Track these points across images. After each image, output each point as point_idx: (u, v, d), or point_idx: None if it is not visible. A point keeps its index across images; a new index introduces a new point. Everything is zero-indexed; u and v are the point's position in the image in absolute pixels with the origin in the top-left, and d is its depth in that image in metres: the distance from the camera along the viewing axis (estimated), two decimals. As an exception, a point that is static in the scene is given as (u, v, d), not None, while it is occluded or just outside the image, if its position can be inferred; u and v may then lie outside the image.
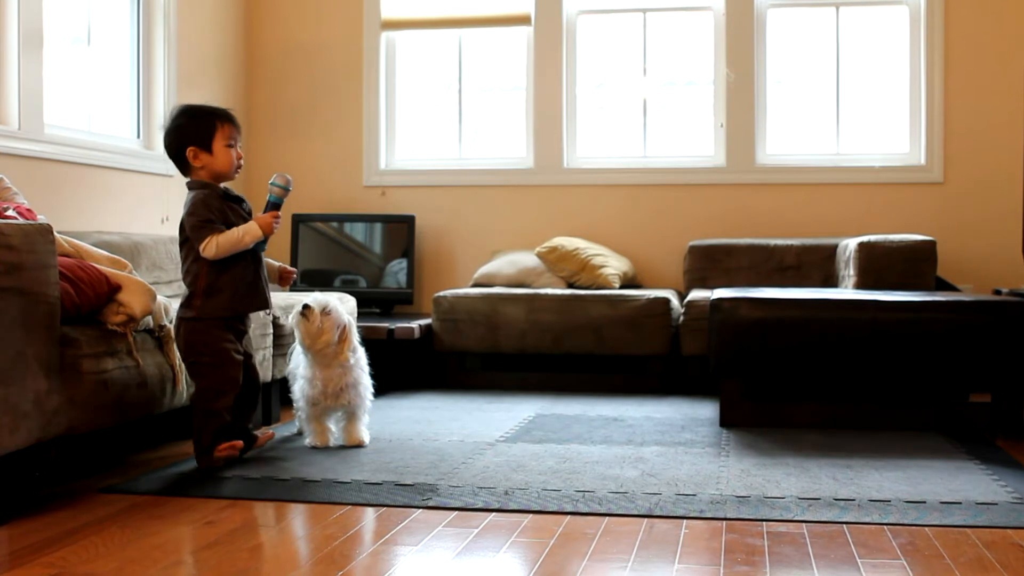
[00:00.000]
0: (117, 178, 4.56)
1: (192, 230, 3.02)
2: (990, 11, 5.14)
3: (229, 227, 3.03)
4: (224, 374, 3.03)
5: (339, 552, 2.25)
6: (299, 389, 3.39)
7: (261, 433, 3.30)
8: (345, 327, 3.31)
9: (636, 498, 2.70)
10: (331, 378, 3.30)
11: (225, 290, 3.05)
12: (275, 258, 3.93)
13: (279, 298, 4.17)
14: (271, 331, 3.78)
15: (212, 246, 2.99)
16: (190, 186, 3.11)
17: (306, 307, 3.25)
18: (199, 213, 3.02)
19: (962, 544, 2.31)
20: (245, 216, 3.12)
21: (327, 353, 3.29)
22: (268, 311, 3.47)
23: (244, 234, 3.02)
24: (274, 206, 3.10)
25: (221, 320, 3.05)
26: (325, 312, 3.27)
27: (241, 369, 3.09)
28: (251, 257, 3.11)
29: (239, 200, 3.15)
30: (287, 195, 3.14)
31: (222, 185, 3.12)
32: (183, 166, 3.12)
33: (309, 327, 3.25)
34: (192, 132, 3.07)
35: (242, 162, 3.15)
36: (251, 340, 3.29)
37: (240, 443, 3.05)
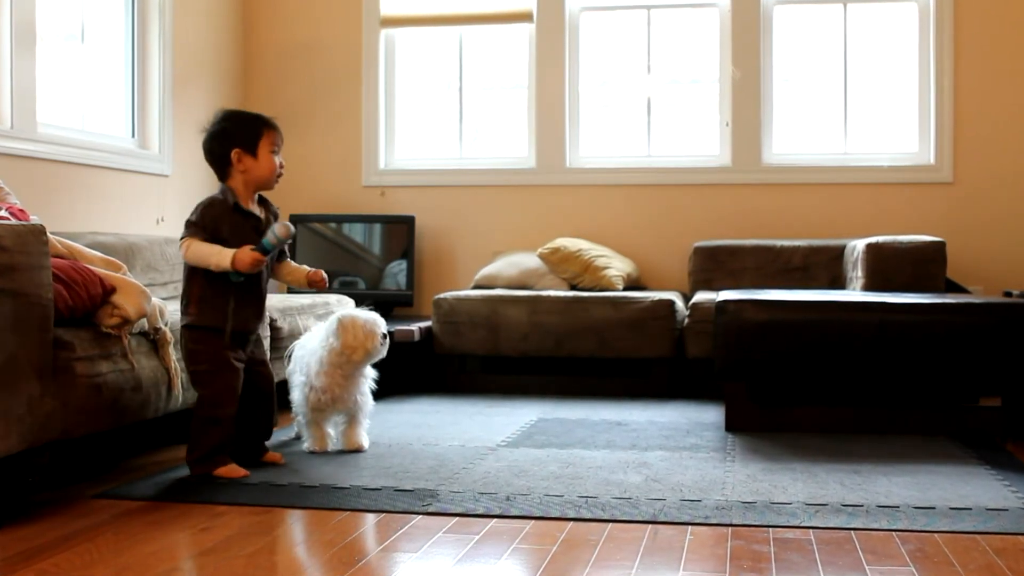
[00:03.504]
0: (111, 178, 4.53)
1: (184, 226, 3.02)
2: (1000, 7, 5.10)
3: (217, 241, 2.98)
4: (222, 382, 2.98)
5: (338, 558, 2.22)
6: (300, 393, 3.35)
7: (272, 451, 3.23)
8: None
9: (640, 504, 2.66)
10: (335, 384, 3.27)
11: (216, 301, 2.99)
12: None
13: (290, 300, 4.13)
14: (268, 333, 3.74)
15: (185, 248, 2.98)
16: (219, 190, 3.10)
17: (387, 335, 3.31)
18: (195, 213, 3.02)
19: (972, 551, 2.29)
20: (249, 233, 3.03)
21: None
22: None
23: (211, 255, 2.95)
24: (263, 250, 2.97)
25: (218, 328, 3.01)
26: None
27: (240, 377, 3.03)
28: (247, 275, 3.04)
29: (251, 216, 3.06)
30: (282, 245, 3.05)
31: (261, 193, 3.12)
32: (222, 170, 3.07)
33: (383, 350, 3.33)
34: (239, 135, 3.05)
35: (283, 171, 3.13)
36: (261, 344, 3.24)
37: (246, 473, 2.98)
